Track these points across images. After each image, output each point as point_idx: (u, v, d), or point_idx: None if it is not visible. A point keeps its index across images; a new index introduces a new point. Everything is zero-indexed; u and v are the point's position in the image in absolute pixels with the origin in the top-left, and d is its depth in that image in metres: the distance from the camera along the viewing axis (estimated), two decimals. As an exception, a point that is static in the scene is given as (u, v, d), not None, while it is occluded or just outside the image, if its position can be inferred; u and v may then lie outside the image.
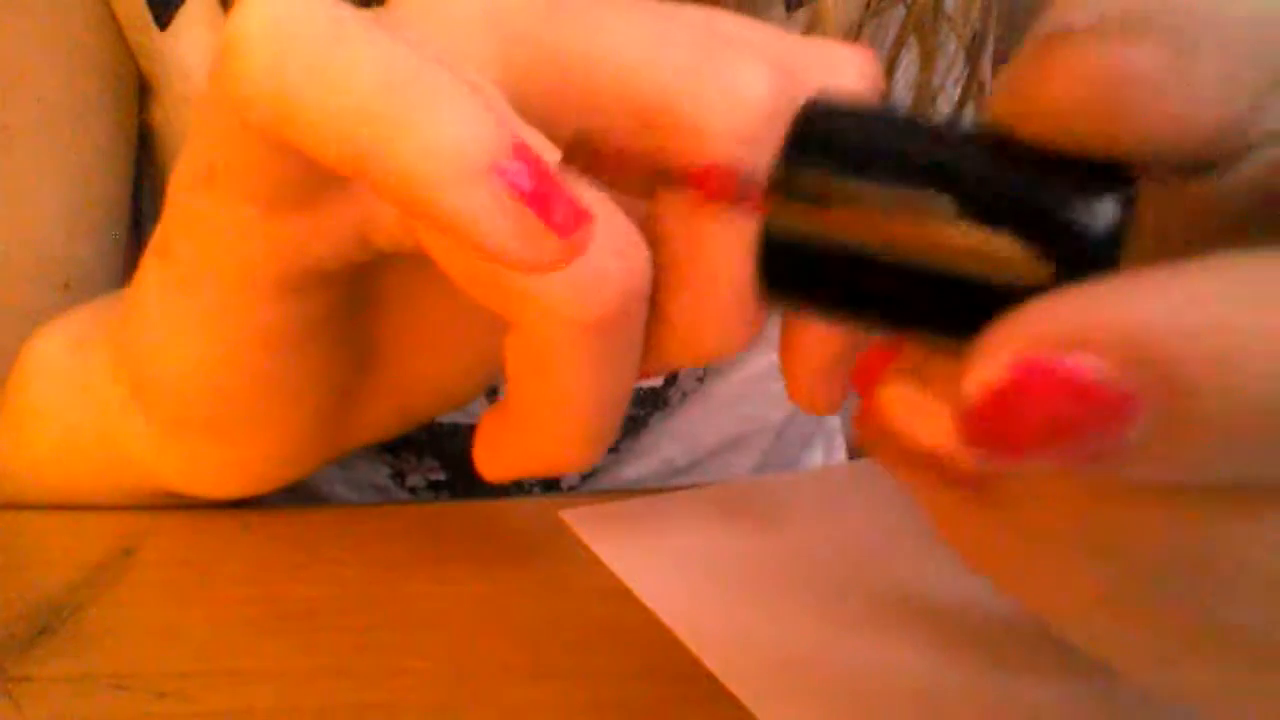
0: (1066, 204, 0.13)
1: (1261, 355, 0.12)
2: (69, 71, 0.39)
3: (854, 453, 0.61)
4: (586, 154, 0.18)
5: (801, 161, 0.14)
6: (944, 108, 0.41)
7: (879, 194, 0.14)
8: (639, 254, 0.22)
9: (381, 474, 0.47)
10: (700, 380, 0.49)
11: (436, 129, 0.19)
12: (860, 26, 0.39)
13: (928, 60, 0.40)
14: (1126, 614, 0.15)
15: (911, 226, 0.14)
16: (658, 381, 0.47)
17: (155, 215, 0.46)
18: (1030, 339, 0.12)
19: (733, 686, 0.24)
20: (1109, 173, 0.14)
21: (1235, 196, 0.15)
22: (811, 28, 0.38)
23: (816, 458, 0.58)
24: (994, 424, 0.12)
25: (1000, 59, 0.42)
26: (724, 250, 0.22)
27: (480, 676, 0.25)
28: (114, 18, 0.39)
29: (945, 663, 0.25)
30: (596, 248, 0.20)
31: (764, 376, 0.51)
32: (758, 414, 0.52)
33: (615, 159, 0.17)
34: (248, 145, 0.22)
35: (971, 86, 0.41)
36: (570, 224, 0.19)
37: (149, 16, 0.38)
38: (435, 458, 0.47)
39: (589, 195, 0.21)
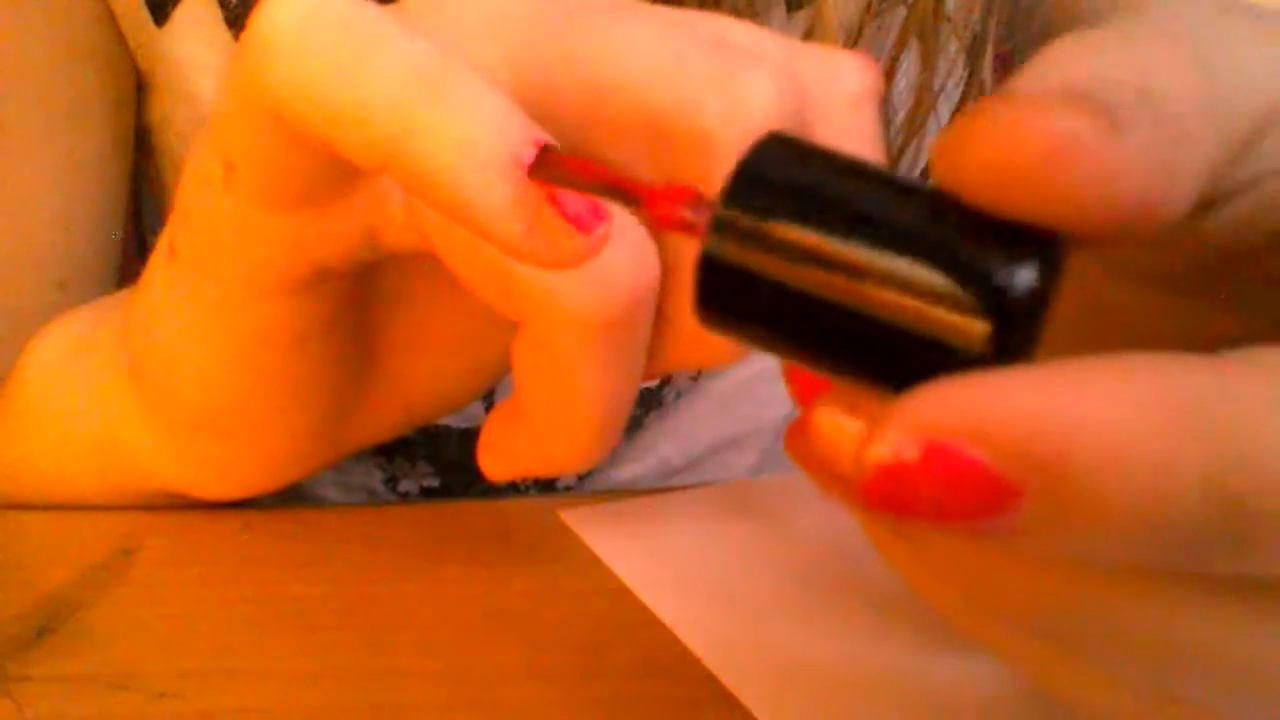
0: (987, 264, 0.14)
1: (1134, 457, 0.12)
2: (67, 69, 0.39)
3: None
4: (551, 165, 0.18)
5: (743, 197, 0.15)
6: (944, 109, 0.41)
7: (812, 238, 0.14)
8: (649, 253, 0.22)
9: (375, 478, 0.47)
10: (694, 380, 0.49)
11: (459, 123, 0.19)
12: (860, 29, 0.39)
13: (928, 61, 0.40)
14: (1022, 656, 0.15)
15: (838, 273, 0.14)
16: (653, 381, 0.47)
17: (153, 213, 0.46)
18: (925, 425, 0.13)
19: (732, 686, 0.24)
20: (1038, 237, 0.14)
21: (1220, 236, 0.16)
22: (812, 30, 0.38)
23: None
24: (885, 496, 0.13)
25: (1000, 61, 0.43)
26: None
27: (480, 676, 0.25)
28: (112, 15, 0.39)
29: (945, 662, 0.25)
30: (608, 247, 0.21)
31: (761, 377, 0.51)
32: (755, 414, 0.52)
33: (579, 171, 0.18)
34: (269, 141, 0.22)
35: (972, 88, 0.41)
36: (589, 221, 0.19)
37: (146, 14, 0.38)
38: (429, 462, 0.47)
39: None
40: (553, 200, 0.19)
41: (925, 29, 0.39)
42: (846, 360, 0.15)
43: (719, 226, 0.15)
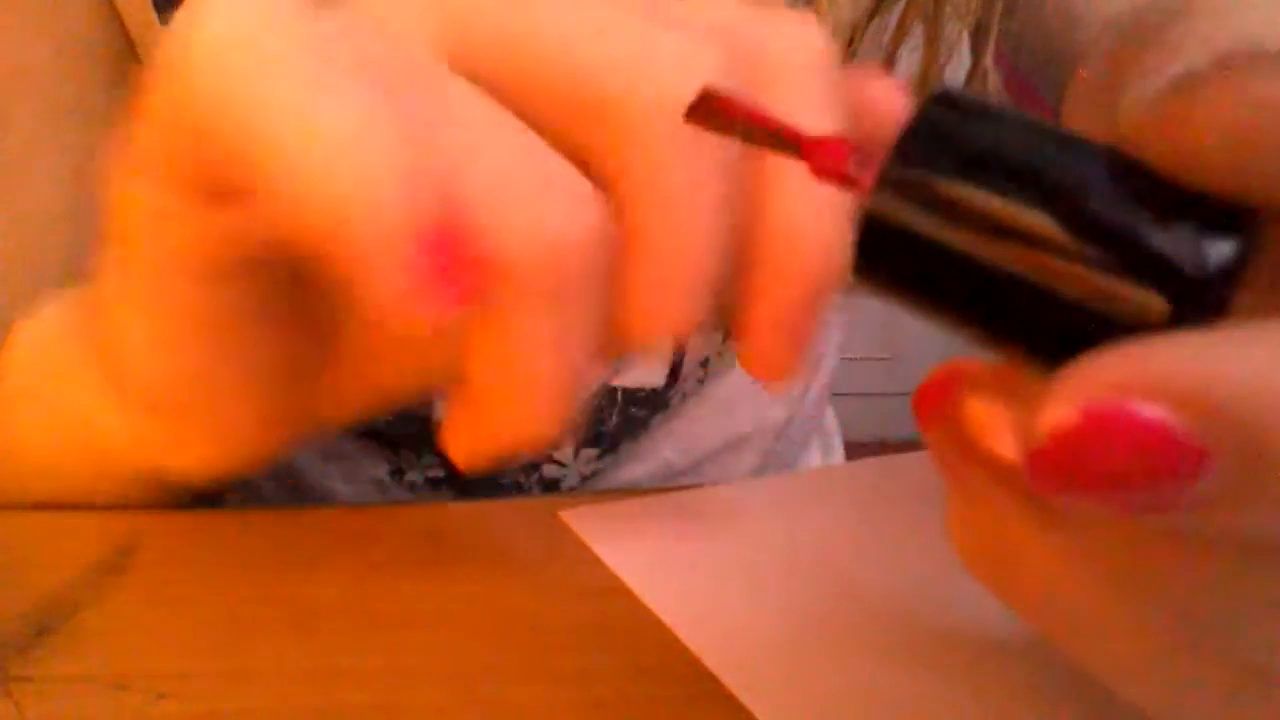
0: (1180, 242, 0.13)
1: None
2: (71, 67, 0.39)
3: (851, 454, 0.61)
4: (710, 106, 0.17)
5: (917, 153, 0.14)
6: None
7: (990, 201, 0.14)
8: (594, 216, 0.21)
9: (381, 470, 0.48)
10: (700, 382, 0.49)
11: (365, 189, 0.19)
12: (852, 33, 0.39)
13: (932, 46, 0.40)
14: (1154, 646, 0.15)
15: (1015, 240, 0.13)
16: (659, 383, 0.47)
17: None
18: (1107, 385, 0.12)
19: (732, 686, 0.24)
20: (1230, 214, 0.13)
21: None
22: None
23: (814, 459, 0.58)
24: (1061, 467, 0.12)
25: (1006, 66, 0.43)
26: (683, 226, 0.21)
27: (479, 676, 0.25)
28: (116, 11, 0.39)
29: (945, 662, 0.25)
30: (553, 211, 0.20)
31: None
32: (757, 416, 0.52)
33: (737, 114, 0.17)
34: (181, 139, 0.22)
35: (976, 75, 0.41)
36: (463, 298, 0.19)
37: (151, 11, 0.38)
38: (435, 454, 0.47)
39: (549, 157, 0.21)
40: (436, 277, 0.19)
41: (927, 14, 0.39)
42: (1008, 329, 0.14)
43: (887, 183, 0.14)
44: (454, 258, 0.19)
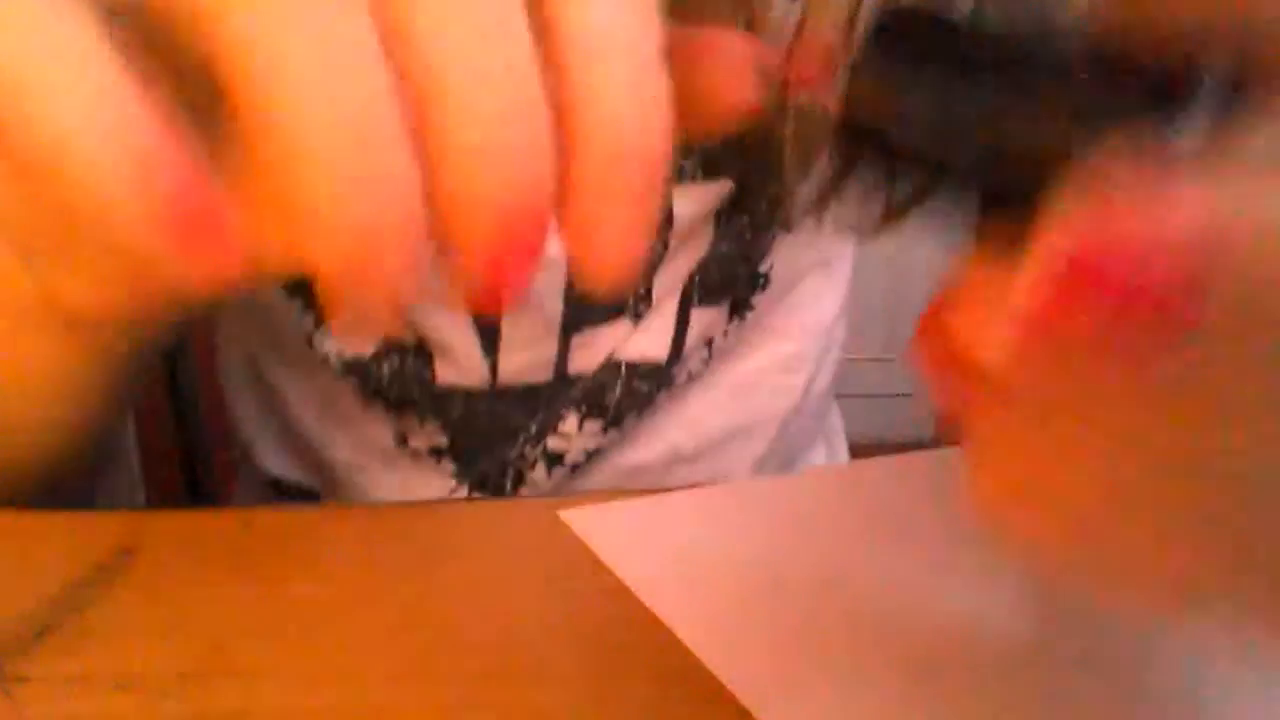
0: (1135, 103, 0.14)
1: None
2: None
3: (852, 454, 0.61)
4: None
5: (886, 44, 0.16)
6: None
7: (956, 82, 0.16)
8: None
9: (386, 438, 0.48)
10: (705, 362, 0.49)
11: (115, 161, 0.18)
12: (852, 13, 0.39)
13: None
14: (1133, 506, 0.16)
15: (984, 119, 0.15)
16: (661, 358, 0.47)
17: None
18: (1093, 224, 0.13)
19: (733, 686, 0.24)
20: (1177, 80, 0.14)
21: None
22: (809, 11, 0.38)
23: (819, 457, 0.58)
24: (1062, 294, 0.13)
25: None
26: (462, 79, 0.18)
27: (480, 676, 0.25)
28: None
29: (943, 662, 0.25)
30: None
31: (770, 369, 0.52)
32: (765, 405, 0.52)
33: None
34: None
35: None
36: (208, 243, 0.19)
37: None
38: (437, 421, 0.47)
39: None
40: (183, 225, 0.18)
41: None
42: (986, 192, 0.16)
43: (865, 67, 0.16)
44: (200, 217, 0.19)
